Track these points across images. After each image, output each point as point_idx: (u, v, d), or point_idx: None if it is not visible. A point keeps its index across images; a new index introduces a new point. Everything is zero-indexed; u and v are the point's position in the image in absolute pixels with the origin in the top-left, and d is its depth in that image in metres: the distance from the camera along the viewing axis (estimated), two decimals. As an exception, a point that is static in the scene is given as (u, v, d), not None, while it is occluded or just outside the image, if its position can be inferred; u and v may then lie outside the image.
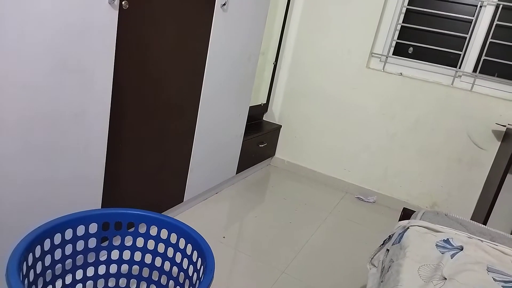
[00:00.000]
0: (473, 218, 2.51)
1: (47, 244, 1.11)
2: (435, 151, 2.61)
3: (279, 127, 3.06)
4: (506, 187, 2.40)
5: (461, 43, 2.53)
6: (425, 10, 2.58)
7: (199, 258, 1.19)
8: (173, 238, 1.29)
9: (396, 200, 2.77)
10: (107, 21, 1.27)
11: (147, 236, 1.32)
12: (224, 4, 1.85)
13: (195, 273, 1.20)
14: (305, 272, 1.84)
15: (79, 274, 1.27)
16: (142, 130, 1.65)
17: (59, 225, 1.14)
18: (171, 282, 1.33)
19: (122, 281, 1.36)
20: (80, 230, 1.21)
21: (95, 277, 1.31)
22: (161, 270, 1.34)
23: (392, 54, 2.72)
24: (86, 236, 1.23)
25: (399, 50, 2.71)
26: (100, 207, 1.54)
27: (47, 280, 1.15)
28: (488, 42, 2.44)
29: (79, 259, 1.25)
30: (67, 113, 1.26)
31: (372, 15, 2.64)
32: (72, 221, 1.18)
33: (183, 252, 1.28)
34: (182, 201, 2.09)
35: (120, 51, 1.38)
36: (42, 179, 1.26)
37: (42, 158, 1.23)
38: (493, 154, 2.47)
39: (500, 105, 2.40)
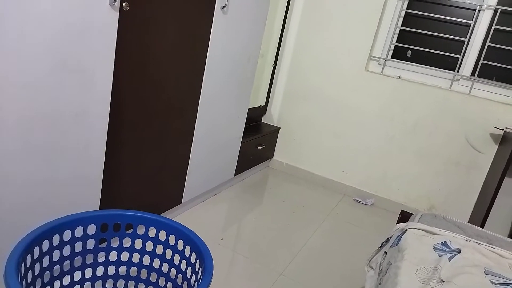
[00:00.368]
0: (470, 221, 2.52)
1: (45, 245, 1.11)
2: (433, 154, 2.62)
3: (277, 129, 3.06)
4: (504, 190, 2.41)
5: (459, 47, 2.54)
6: (424, 14, 2.59)
7: (198, 260, 1.19)
8: (172, 239, 1.29)
9: (394, 202, 2.77)
10: (108, 22, 1.28)
11: (145, 238, 1.32)
12: (224, 6, 1.85)
13: (194, 275, 1.20)
14: (303, 274, 1.84)
15: (77, 276, 1.27)
16: (142, 131, 1.65)
17: (58, 226, 1.14)
18: (170, 284, 1.33)
19: (120, 283, 1.36)
20: (79, 232, 1.21)
21: (93, 278, 1.30)
22: (159, 271, 1.34)
23: (391, 58, 2.73)
24: (85, 238, 1.23)
25: (398, 54, 2.72)
26: (99, 208, 1.54)
27: (45, 281, 1.14)
28: (486, 46, 2.46)
29: (77, 261, 1.25)
30: (67, 113, 1.26)
31: (371, 18, 2.65)
32: (70, 222, 1.18)
33: (182, 253, 1.28)
34: (181, 203, 2.09)
35: (120, 52, 1.38)
36: (41, 179, 1.26)
37: (41, 158, 1.23)
38: (490, 157, 2.48)
39: (498, 109, 2.41)
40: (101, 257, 1.31)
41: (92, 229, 1.24)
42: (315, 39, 2.84)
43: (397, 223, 1.57)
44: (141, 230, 1.31)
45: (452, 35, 2.54)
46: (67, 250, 1.20)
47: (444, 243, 1.30)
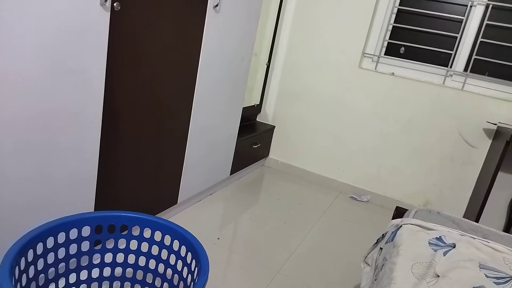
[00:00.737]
0: (465, 216, 2.54)
1: (39, 248, 1.11)
2: (427, 150, 2.63)
3: (272, 127, 3.07)
4: (498, 184, 2.43)
5: (452, 43, 2.55)
6: (416, 10, 2.60)
7: (193, 260, 1.19)
8: (167, 240, 1.29)
9: (389, 199, 2.78)
10: (99, 23, 1.27)
11: (140, 239, 1.31)
12: (217, 5, 1.85)
13: (190, 275, 1.20)
14: (300, 271, 1.84)
15: (72, 278, 1.26)
16: (136, 131, 1.64)
17: (52, 229, 1.14)
18: (166, 285, 1.33)
19: (116, 284, 1.36)
20: (73, 234, 1.21)
21: (89, 280, 1.30)
22: (155, 272, 1.34)
23: (384, 54, 2.74)
24: (79, 240, 1.23)
25: (391, 51, 2.73)
26: (94, 209, 1.53)
27: (40, 284, 1.14)
28: (478, 42, 2.47)
29: (72, 263, 1.24)
30: (60, 113, 1.25)
31: (364, 16, 2.65)
32: (64, 225, 1.17)
33: (177, 254, 1.27)
34: (176, 203, 2.08)
35: (112, 52, 1.37)
36: (35, 180, 1.25)
37: (35, 158, 1.22)
38: (484, 152, 2.49)
39: (491, 104, 2.43)
40: (97, 259, 1.30)
41: (86, 231, 1.24)
42: (308, 37, 2.85)
43: (392, 219, 1.57)
44: (136, 231, 1.30)
45: (445, 31, 2.55)
46: (61, 253, 1.19)
47: (439, 238, 1.31)
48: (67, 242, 1.20)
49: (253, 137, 2.78)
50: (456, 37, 2.53)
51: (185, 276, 1.24)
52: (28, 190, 1.24)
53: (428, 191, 2.68)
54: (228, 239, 2.00)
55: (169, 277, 1.31)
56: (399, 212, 1.67)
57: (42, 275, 1.14)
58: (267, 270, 1.80)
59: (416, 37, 2.64)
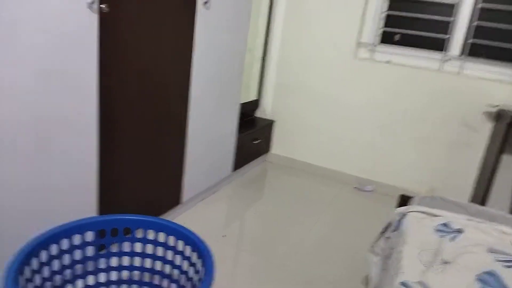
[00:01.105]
0: (472, 200, 2.52)
1: (44, 255, 1.10)
2: (429, 137, 2.62)
3: (272, 122, 3.05)
4: (502, 167, 2.41)
5: (446, 28, 2.52)
6: (410, -4, 2.57)
7: (199, 259, 1.18)
8: (171, 240, 1.28)
9: (393, 187, 2.77)
10: (88, 25, 1.26)
11: (145, 241, 1.30)
12: (206, 2, 1.83)
13: (196, 274, 1.19)
14: (307, 265, 1.83)
15: (80, 284, 1.25)
16: (134, 133, 1.63)
17: (54, 236, 1.13)
18: (173, 285, 1.32)
19: (124, 288, 1.35)
20: (76, 239, 1.20)
21: (97, 285, 1.29)
22: (161, 273, 1.33)
23: (380, 43, 2.71)
24: (83, 245, 1.22)
25: (387, 39, 2.71)
26: (97, 213, 1.52)
27: (47, 291, 1.13)
28: (473, 25, 2.44)
29: (78, 269, 1.24)
30: (52, 119, 1.24)
31: (356, 5, 2.63)
32: (66, 231, 1.16)
33: (182, 254, 1.27)
34: (180, 203, 2.08)
35: (104, 55, 1.36)
36: (34, 187, 1.25)
37: (31, 164, 1.22)
38: (486, 135, 2.47)
39: (490, 87, 2.40)
40: (102, 264, 1.30)
41: (90, 236, 1.23)
42: (301, 30, 2.82)
43: (396, 207, 1.56)
44: (140, 234, 1.30)
45: (438, 15, 2.52)
46: (66, 259, 1.18)
47: (445, 224, 1.30)
48: (71, 249, 1.19)
49: (253, 133, 2.76)
50: (450, 22, 2.50)
51: (191, 276, 1.23)
52: (27, 197, 1.24)
53: (433, 177, 2.66)
54: (233, 236, 2.00)
55: (175, 277, 1.31)
56: (404, 200, 1.66)
57: (49, 283, 1.14)
58: (273, 266, 1.80)
59: (411, 23, 2.61)
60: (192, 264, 1.22)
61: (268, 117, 3.09)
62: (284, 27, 2.88)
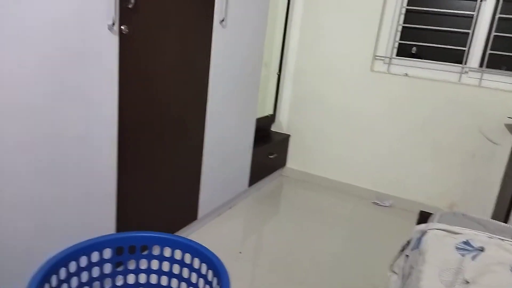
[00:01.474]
0: (493, 216, 2.45)
1: (63, 273, 1.12)
2: (448, 150, 2.57)
3: (288, 136, 3.05)
4: (525, 181, 2.34)
5: (464, 39, 2.50)
6: (424, 9, 2.56)
7: (215, 277, 1.18)
8: (187, 258, 1.28)
9: (412, 202, 2.72)
10: (108, 46, 1.29)
11: (161, 258, 1.31)
12: (223, 20, 1.86)
13: (212, 292, 1.19)
14: (325, 281, 1.80)
15: (97, 301, 1.26)
16: (152, 150, 1.65)
17: (74, 253, 1.14)
18: (189, 303, 1.32)
19: (140, 305, 1.35)
20: (95, 257, 1.21)
21: (113, 302, 1.30)
22: (178, 291, 1.33)
23: (396, 56, 2.70)
24: (101, 262, 1.23)
25: (403, 52, 2.70)
26: (115, 230, 1.54)
27: (65, 309, 1.14)
28: (492, 36, 2.41)
29: (96, 286, 1.25)
30: (73, 136, 1.27)
31: (372, 18, 2.63)
32: (86, 248, 1.18)
33: (198, 271, 1.27)
34: (196, 219, 2.08)
35: (123, 74, 1.39)
36: (51, 204, 1.27)
37: (48, 181, 1.24)
38: (508, 148, 2.41)
39: (511, 98, 2.36)
40: (119, 281, 1.31)
41: (107, 253, 1.24)
42: (317, 44, 2.84)
43: (416, 224, 1.53)
44: (156, 251, 1.31)
45: (455, 27, 2.50)
46: (84, 276, 1.20)
47: (466, 242, 1.26)
48: (90, 266, 1.20)
49: (269, 147, 2.77)
50: (468, 33, 2.48)
51: (207, 294, 1.22)
52: (45, 215, 1.26)
53: (453, 191, 2.61)
54: (250, 252, 1.99)
55: (192, 295, 1.31)
56: (423, 217, 1.62)
57: (66, 300, 1.15)
58: (291, 283, 1.78)
59: (427, 36, 2.60)
60: (208, 282, 1.22)
61: (284, 131, 3.09)
62: (300, 41, 2.90)
